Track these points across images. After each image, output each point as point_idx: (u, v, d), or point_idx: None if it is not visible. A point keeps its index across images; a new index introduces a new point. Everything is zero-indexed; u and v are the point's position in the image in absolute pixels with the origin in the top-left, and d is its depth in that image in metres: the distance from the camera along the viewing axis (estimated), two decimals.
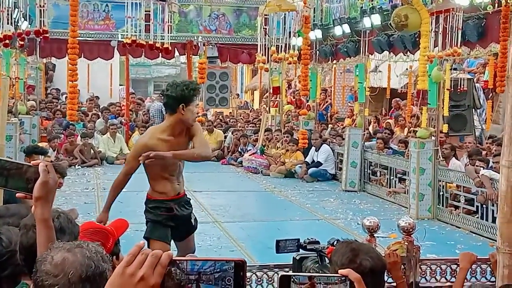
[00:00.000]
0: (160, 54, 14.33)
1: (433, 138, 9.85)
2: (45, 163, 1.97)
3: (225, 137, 16.83)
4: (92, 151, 14.81)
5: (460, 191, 9.49)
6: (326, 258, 3.21)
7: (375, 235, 4.19)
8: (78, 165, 14.24)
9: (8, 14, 10.24)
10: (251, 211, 10.57)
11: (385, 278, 3.65)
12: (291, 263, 3.58)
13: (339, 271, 1.32)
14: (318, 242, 3.37)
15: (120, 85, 23.94)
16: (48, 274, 1.90)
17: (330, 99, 18.48)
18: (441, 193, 9.76)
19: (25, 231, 2.53)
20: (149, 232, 5.43)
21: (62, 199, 10.08)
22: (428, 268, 4.06)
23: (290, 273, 1.39)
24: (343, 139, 13.09)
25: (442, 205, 9.74)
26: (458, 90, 10.92)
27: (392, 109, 17.02)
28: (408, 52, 11.58)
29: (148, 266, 1.18)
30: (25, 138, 12.86)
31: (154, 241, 5.30)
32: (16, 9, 11.32)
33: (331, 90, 19.17)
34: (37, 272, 1.94)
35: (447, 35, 9.48)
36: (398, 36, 10.67)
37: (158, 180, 5.43)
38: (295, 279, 1.28)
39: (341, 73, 18.41)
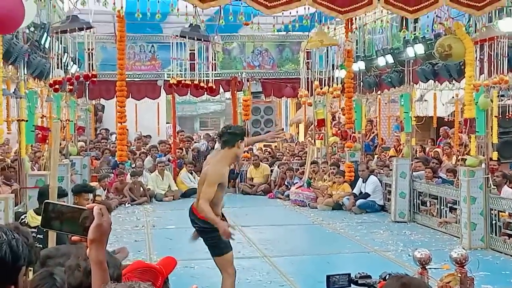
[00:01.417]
0: (205, 92, 14.53)
1: (483, 166, 9.68)
2: (99, 206, 2.02)
3: (271, 171, 16.86)
4: (141, 189, 15.02)
5: None
6: None
7: (427, 267, 4.14)
8: (128, 203, 14.45)
9: (58, 59, 10.58)
10: (299, 244, 10.52)
11: None
12: None
13: None
14: (369, 277, 3.35)
15: (167, 123, 24.30)
16: None
17: (376, 130, 18.37)
18: (493, 222, 9.55)
19: (71, 272, 2.60)
20: (220, 248, 6.11)
21: (113, 237, 10.22)
22: None
23: None
24: (390, 169, 12.98)
25: (495, 234, 9.52)
26: (507, 117, 10.75)
27: (440, 137, 16.81)
28: (453, 80, 11.48)
29: None
30: (76, 179, 13.12)
31: (227, 253, 6.10)
32: (66, 54, 11.69)
33: (376, 121, 19.06)
34: None
35: (493, 63, 9.38)
36: (442, 64, 10.61)
37: (218, 205, 6.23)
38: None
39: (386, 103, 18.31)
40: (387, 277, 3.25)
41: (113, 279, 2.19)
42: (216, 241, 6.06)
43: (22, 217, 6.71)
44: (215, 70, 13.63)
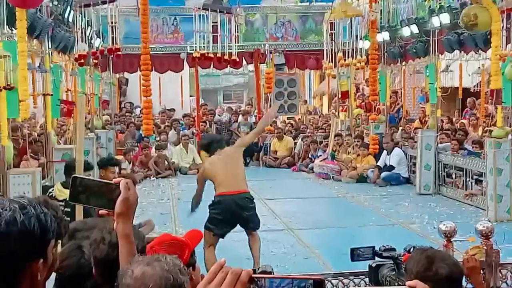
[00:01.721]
0: (228, 64, 14.50)
1: (509, 137, 9.56)
2: (126, 180, 2.03)
3: (295, 143, 16.83)
4: (166, 163, 15.12)
5: None
6: (402, 265, 3.18)
7: (452, 239, 4.12)
8: (153, 177, 14.57)
9: (82, 33, 10.62)
10: (324, 217, 10.53)
11: (465, 283, 3.59)
12: (367, 270, 3.56)
13: (407, 283, 1.32)
14: (394, 249, 3.34)
15: (190, 96, 24.35)
16: (130, 287, 1.98)
17: (401, 101, 18.21)
18: None
19: (96, 245, 2.64)
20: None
21: (139, 210, 10.29)
22: (509, 272, 3.96)
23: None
24: (415, 141, 12.88)
25: None
26: None
27: (466, 109, 16.61)
28: (479, 50, 11.28)
29: (228, 284, 1.21)
30: (102, 152, 13.25)
31: None
32: (89, 27, 11.72)
33: (401, 92, 18.89)
34: (118, 286, 2.02)
35: None
36: (468, 34, 10.42)
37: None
38: None
39: (410, 74, 18.10)
40: (411, 250, 3.23)
41: (138, 252, 2.21)
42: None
43: (50, 190, 6.80)
44: (237, 43, 13.59)
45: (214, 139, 7.60)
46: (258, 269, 6.24)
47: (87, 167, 6.18)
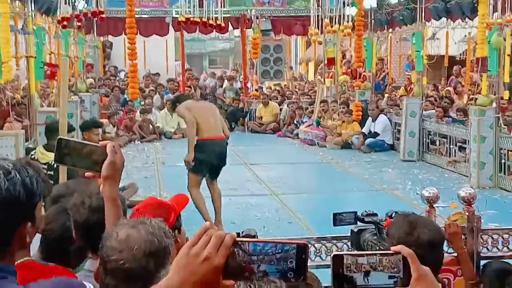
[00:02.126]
0: (214, 29, 14.37)
1: (494, 105, 9.62)
2: (113, 144, 2.01)
3: (281, 109, 16.82)
4: (150, 127, 15.08)
5: None
6: (384, 230, 3.21)
7: (434, 205, 4.16)
8: (137, 141, 14.54)
9: None
10: (308, 183, 10.60)
11: (446, 249, 3.64)
12: (349, 235, 3.59)
13: (392, 248, 1.33)
14: (376, 214, 3.36)
15: (176, 60, 24.17)
16: (114, 249, 1.99)
17: (387, 69, 18.21)
18: (502, 161, 9.55)
19: (76, 209, 2.64)
20: None
21: (124, 174, 10.12)
22: (490, 237, 4.00)
23: (342, 252, 1.40)
24: (400, 108, 12.91)
25: (504, 173, 9.54)
26: None
27: (451, 77, 16.65)
28: (466, 18, 11.28)
29: (212, 247, 1.21)
30: (85, 115, 13.16)
31: None
32: None
33: (387, 59, 18.88)
34: (103, 248, 2.03)
35: (507, 0, 9.18)
36: (455, 2, 10.41)
37: None
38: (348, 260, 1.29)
39: (397, 41, 18.08)
40: (393, 215, 3.26)
41: None
42: None
43: (32, 153, 6.76)
44: (224, 7, 13.46)
45: (183, 94, 7.65)
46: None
47: (69, 128, 6.15)
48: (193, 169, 7.23)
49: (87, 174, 2.03)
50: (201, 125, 7.15)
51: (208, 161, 7.21)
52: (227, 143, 7.49)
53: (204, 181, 7.36)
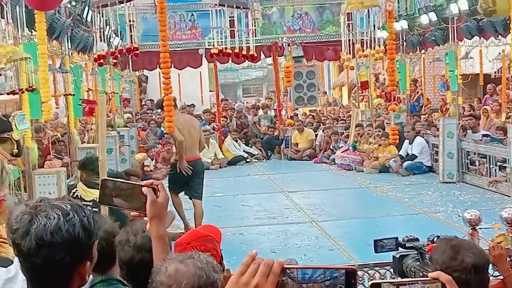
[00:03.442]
0: (247, 59, 14.50)
1: None
2: (156, 183, 2.01)
3: (316, 135, 16.81)
4: None
5: None
6: (427, 256, 3.18)
7: (477, 227, 4.11)
8: None
9: (100, 33, 10.69)
10: (347, 208, 10.53)
11: (492, 272, 3.58)
12: (391, 261, 3.57)
13: (429, 274, 1.32)
14: (417, 240, 3.33)
15: (210, 91, 24.42)
16: (163, 284, 2.02)
17: (421, 90, 18.10)
18: None
19: (121, 247, 2.66)
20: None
21: None
22: None
23: (380, 281, 1.39)
24: (437, 129, 12.79)
25: None
26: None
27: (486, 95, 16.45)
28: (499, 35, 11.18)
29: (261, 275, 1.21)
30: (124, 150, 13.34)
31: None
32: (108, 27, 11.80)
33: (421, 80, 18.78)
34: (152, 283, 2.05)
35: None
36: (487, 20, 10.33)
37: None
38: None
39: (430, 62, 17.98)
40: (435, 240, 3.23)
41: None
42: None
43: (73, 190, 6.86)
44: (255, 36, 13.57)
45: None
46: None
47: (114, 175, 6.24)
48: (170, 188, 8.24)
49: (133, 214, 2.05)
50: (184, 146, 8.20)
51: (183, 181, 8.52)
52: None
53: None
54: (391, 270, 3.84)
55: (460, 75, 12.16)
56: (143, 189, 1.98)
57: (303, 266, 1.25)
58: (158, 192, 2.00)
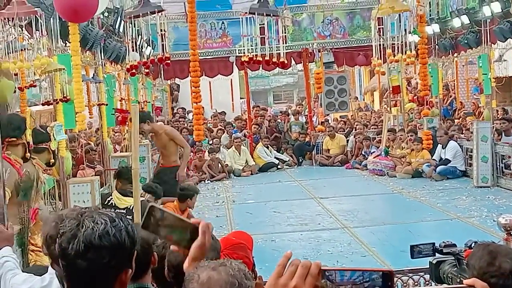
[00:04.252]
0: (277, 66, 14.54)
1: None
2: (207, 224, 1.96)
3: (347, 141, 16.74)
4: (219, 165, 15.26)
5: None
6: (464, 262, 3.14)
7: None
8: (207, 180, 14.72)
9: (133, 43, 10.83)
10: (380, 214, 10.45)
11: None
12: (426, 267, 3.54)
13: (464, 281, 1.31)
14: (454, 245, 3.29)
15: (241, 98, 24.50)
16: None
17: (454, 93, 17.92)
18: None
19: (172, 251, 2.68)
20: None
21: (196, 214, 10.43)
22: None
23: None
24: (471, 133, 12.64)
25: None
26: None
27: None
28: None
29: (299, 277, 1.21)
30: (157, 159, 13.44)
31: None
32: (139, 37, 11.93)
33: (453, 84, 18.59)
34: None
35: None
36: None
37: None
38: None
39: (463, 65, 17.80)
40: (472, 245, 3.19)
41: None
42: None
43: (108, 199, 6.96)
44: (285, 43, 13.59)
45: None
46: None
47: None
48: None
49: (173, 248, 1.99)
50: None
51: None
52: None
53: None
54: (425, 276, 3.81)
55: (493, 78, 12.02)
56: (200, 226, 1.92)
57: (341, 268, 1.24)
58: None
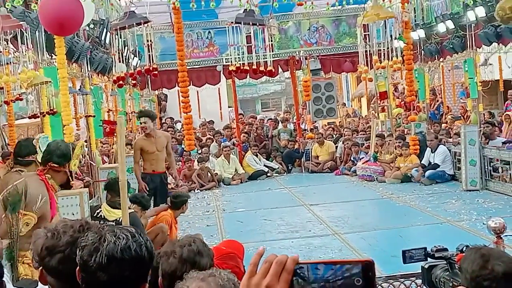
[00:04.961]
0: (264, 75, 14.57)
1: None
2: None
3: (336, 147, 16.76)
4: (209, 174, 15.23)
5: None
6: (456, 266, 3.15)
7: (502, 236, 4.06)
8: (197, 189, 14.69)
9: (119, 54, 10.81)
10: (370, 220, 10.45)
11: None
12: (418, 271, 3.54)
13: None
14: (446, 249, 3.30)
15: (229, 107, 24.50)
16: None
17: (440, 98, 18.01)
18: None
19: (166, 258, 2.67)
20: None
21: (186, 223, 10.43)
22: None
23: None
24: (459, 137, 12.70)
25: None
26: None
27: (507, 101, 16.32)
28: None
29: (273, 275, 1.14)
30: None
31: None
32: (126, 48, 11.92)
33: (440, 89, 18.69)
34: None
35: None
36: (506, 26, 10.27)
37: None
38: None
39: (449, 70, 17.91)
40: (464, 249, 3.20)
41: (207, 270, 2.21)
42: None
43: (97, 211, 6.91)
44: (272, 51, 13.62)
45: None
46: None
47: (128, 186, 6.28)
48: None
49: None
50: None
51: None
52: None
53: None
54: (417, 281, 3.81)
55: (479, 82, 12.10)
56: None
57: (315, 262, 1.17)
58: None
